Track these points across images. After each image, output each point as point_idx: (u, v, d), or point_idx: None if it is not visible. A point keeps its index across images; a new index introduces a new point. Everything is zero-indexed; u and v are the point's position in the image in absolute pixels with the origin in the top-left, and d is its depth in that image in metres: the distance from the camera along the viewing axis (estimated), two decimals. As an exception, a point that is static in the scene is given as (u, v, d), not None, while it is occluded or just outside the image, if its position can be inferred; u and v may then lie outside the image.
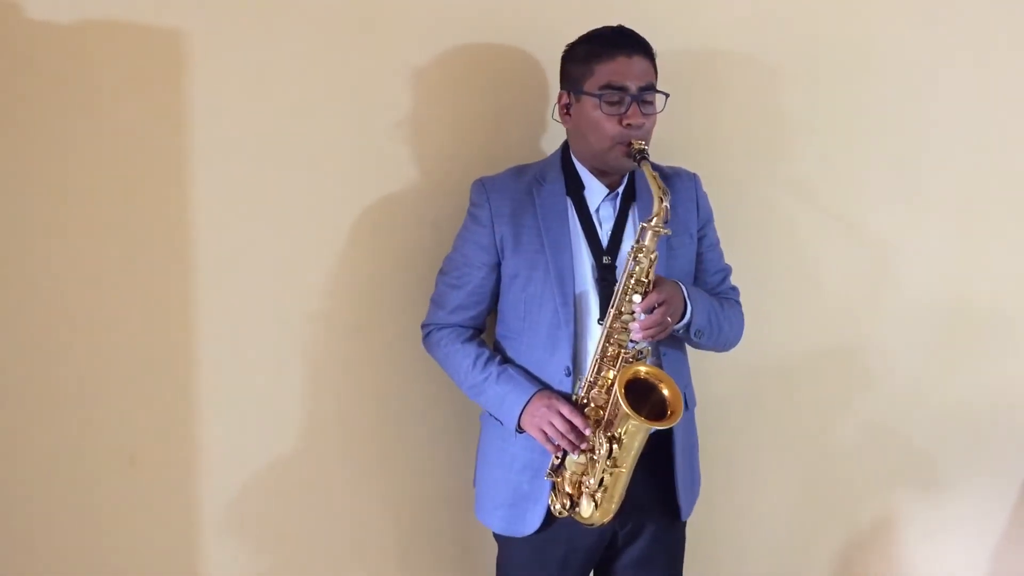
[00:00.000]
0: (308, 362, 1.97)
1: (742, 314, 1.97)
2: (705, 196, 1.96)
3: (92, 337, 1.82)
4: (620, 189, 1.84)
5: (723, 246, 1.99)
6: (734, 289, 1.99)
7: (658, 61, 1.80)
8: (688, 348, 1.92)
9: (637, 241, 1.70)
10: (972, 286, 2.41)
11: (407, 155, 1.98)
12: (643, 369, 1.70)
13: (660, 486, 1.84)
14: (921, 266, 2.36)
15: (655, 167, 1.90)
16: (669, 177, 1.91)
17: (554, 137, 2.00)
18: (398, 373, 2.03)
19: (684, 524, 1.95)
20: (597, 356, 1.72)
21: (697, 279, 1.93)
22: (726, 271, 1.98)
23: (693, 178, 1.95)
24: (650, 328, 1.68)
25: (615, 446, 1.68)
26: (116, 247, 1.81)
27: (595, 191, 1.83)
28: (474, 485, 1.95)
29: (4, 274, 1.75)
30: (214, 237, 1.86)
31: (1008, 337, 2.46)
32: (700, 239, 1.92)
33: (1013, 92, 2.36)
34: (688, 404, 1.90)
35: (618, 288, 1.71)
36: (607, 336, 1.72)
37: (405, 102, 1.96)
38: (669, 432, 1.81)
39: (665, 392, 1.69)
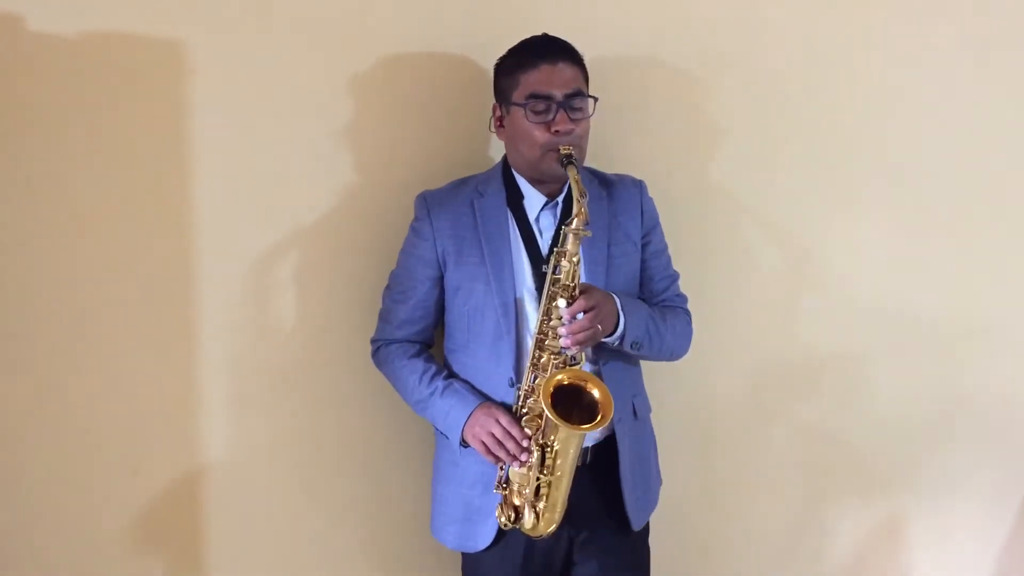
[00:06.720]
0: (311, 372, 1.98)
1: (689, 322, 1.93)
2: (651, 202, 1.93)
3: (94, 346, 1.84)
4: (559, 198, 1.82)
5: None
6: (680, 296, 1.96)
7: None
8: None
9: (560, 245, 1.69)
10: (974, 288, 2.36)
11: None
12: (564, 376, 1.67)
13: (609, 496, 1.81)
14: (924, 269, 2.32)
15: (599, 174, 1.93)
16: (612, 184, 1.90)
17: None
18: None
19: (645, 533, 1.92)
20: (530, 364, 1.71)
21: (643, 287, 1.90)
22: (673, 278, 1.95)
23: (638, 184, 1.93)
24: (578, 334, 1.66)
25: (547, 452, 1.66)
26: (118, 256, 1.83)
27: (534, 201, 1.82)
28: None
29: (8, 282, 1.77)
30: (215, 244, 1.88)
31: (1013, 339, 2.40)
32: (644, 246, 1.90)
33: (1008, 99, 2.30)
34: (638, 413, 1.87)
35: (543, 292, 1.71)
36: (538, 343, 1.71)
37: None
38: (614, 442, 1.79)
39: (595, 394, 1.66)
